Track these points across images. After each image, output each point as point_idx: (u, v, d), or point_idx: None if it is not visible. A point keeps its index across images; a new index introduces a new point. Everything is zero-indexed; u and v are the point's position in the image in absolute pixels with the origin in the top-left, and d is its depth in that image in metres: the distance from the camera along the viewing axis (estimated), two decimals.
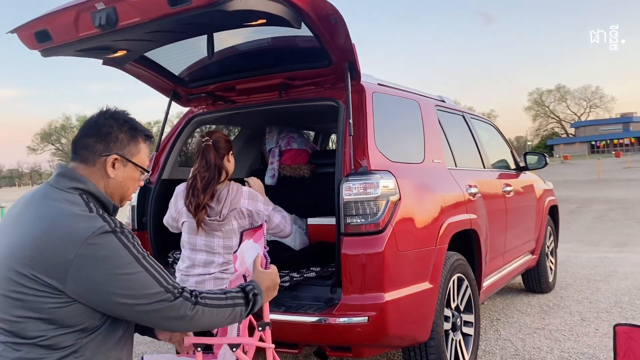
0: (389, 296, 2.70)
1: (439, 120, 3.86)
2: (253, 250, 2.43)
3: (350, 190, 2.74)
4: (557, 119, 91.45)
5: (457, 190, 3.57)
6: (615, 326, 2.03)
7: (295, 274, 3.08)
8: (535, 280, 5.69)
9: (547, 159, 5.28)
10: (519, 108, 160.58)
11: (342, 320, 2.63)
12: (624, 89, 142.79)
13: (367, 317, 2.64)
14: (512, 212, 4.61)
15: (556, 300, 5.45)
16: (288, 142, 4.09)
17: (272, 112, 3.83)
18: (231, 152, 3.00)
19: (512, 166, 5.33)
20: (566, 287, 6.02)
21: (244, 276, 2.27)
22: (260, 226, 2.46)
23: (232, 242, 2.84)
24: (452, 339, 3.38)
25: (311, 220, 3.77)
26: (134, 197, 3.51)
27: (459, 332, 3.47)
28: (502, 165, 5.20)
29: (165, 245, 3.55)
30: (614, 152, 64.77)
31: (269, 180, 4.09)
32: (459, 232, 3.50)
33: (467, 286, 3.60)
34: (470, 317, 3.64)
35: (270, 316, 2.78)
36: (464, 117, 4.49)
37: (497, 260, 4.37)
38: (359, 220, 2.72)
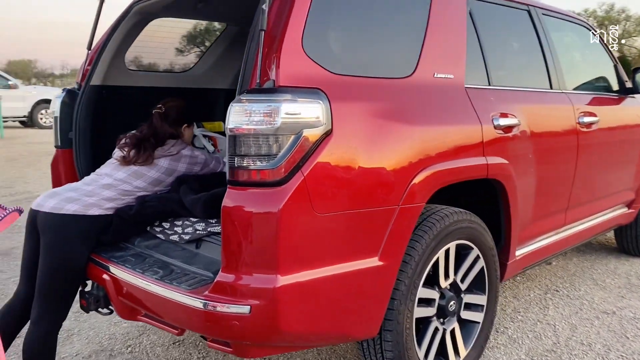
0: (287, 279, 1.79)
1: (470, 15, 2.61)
2: None
3: (240, 117, 1.79)
4: None
5: (470, 121, 2.41)
6: None
7: (200, 226, 2.27)
8: (631, 241, 4.30)
9: None
10: None
11: (210, 306, 1.80)
12: None
13: (249, 307, 1.79)
14: (590, 153, 3.28)
15: None
16: None
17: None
18: (185, 125, 2.78)
19: (615, 87, 3.84)
20: None
21: None
22: None
23: None
24: (437, 329, 2.42)
25: None
26: (57, 106, 2.85)
27: (453, 318, 2.49)
28: (596, 86, 3.74)
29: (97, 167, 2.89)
30: None
31: None
32: (471, 182, 2.43)
33: (477, 256, 2.54)
34: (479, 299, 2.61)
35: (137, 282, 2.06)
36: (529, 13, 3.12)
37: (553, 219, 3.16)
38: (250, 164, 1.79)
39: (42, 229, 2.20)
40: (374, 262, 2.01)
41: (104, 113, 2.94)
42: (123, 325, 3.20)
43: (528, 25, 3.10)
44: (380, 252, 2.02)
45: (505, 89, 2.76)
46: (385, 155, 2.01)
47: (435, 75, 2.34)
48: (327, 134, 1.84)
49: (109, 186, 2.38)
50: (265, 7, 1.83)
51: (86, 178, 2.51)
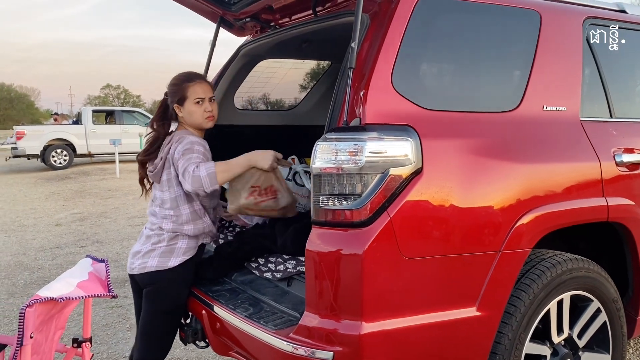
0: (373, 327, 1.69)
1: (588, 44, 2.39)
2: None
3: (326, 155, 1.76)
4: None
5: (586, 157, 2.16)
6: None
7: (290, 264, 2.25)
8: None
9: None
10: None
11: (293, 349, 1.76)
12: None
13: (332, 353, 1.71)
14: None
15: None
16: None
17: (331, 37, 2.88)
18: (175, 104, 2.38)
19: None
20: None
21: None
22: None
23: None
24: None
25: None
26: None
27: None
28: None
29: None
30: None
31: None
32: (586, 226, 2.18)
33: (598, 309, 2.25)
34: (601, 358, 2.30)
35: (228, 318, 2.08)
36: None
37: None
38: (335, 203, 1.74)
39: (141, 286, 2.32)
40: (471, 312, 1.85)
41: (213, 151, 3.08)
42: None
43: None
44: (479, 302, 1.85)
45: (632, 121, 2.47)
46: (484, 195, 1.86)
47: (544, 108, 2.15)
48: (417, 173, 1.75)
49: (161, 229, 2.28)
50: (354, 45, 1.81)
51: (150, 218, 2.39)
